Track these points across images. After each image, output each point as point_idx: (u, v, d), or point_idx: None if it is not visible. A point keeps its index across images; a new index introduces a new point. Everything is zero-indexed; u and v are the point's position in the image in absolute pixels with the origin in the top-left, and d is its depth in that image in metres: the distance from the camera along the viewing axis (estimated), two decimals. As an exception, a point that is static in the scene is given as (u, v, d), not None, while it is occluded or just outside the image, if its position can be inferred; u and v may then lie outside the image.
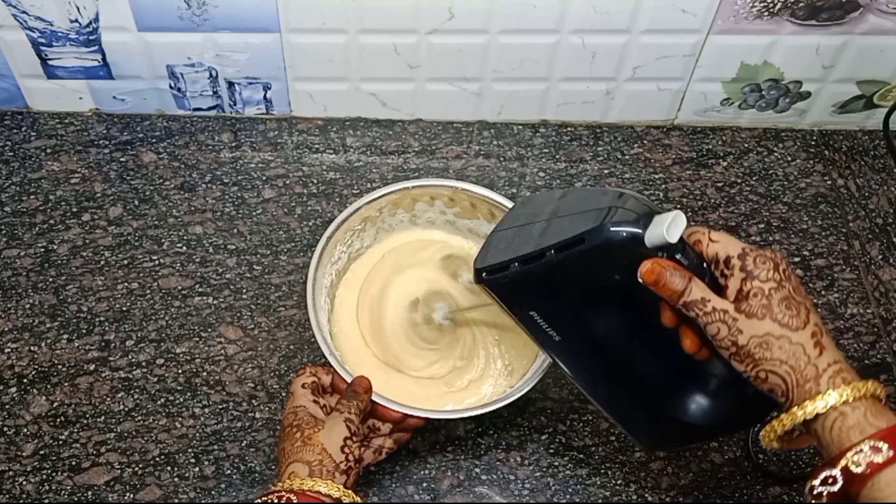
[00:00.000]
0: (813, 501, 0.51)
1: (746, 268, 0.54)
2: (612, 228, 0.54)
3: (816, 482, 0.51)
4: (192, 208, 0.88)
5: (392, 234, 0.82)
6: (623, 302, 0.59)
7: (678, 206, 0.91)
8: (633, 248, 0.54)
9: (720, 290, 0.55)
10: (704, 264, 0.57)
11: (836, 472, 0.50)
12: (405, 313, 0.77)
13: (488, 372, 0.76)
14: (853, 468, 0.49)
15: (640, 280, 0.54)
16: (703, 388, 0.61)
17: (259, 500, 0.60)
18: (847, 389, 0.51)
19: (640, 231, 0.54)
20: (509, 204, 0.77)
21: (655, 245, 0.54)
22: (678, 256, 0.55)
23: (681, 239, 0.54)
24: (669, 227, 0.53)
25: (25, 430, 0.74)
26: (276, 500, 0.59)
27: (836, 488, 0.50)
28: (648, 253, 0.54)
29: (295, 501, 0.58)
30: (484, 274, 0.63)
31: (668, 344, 0.58)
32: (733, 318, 0.53)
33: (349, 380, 0.68)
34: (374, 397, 0.68)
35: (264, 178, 0.91)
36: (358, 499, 0.62)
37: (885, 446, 0.48)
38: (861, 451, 0.49)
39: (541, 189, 0.92)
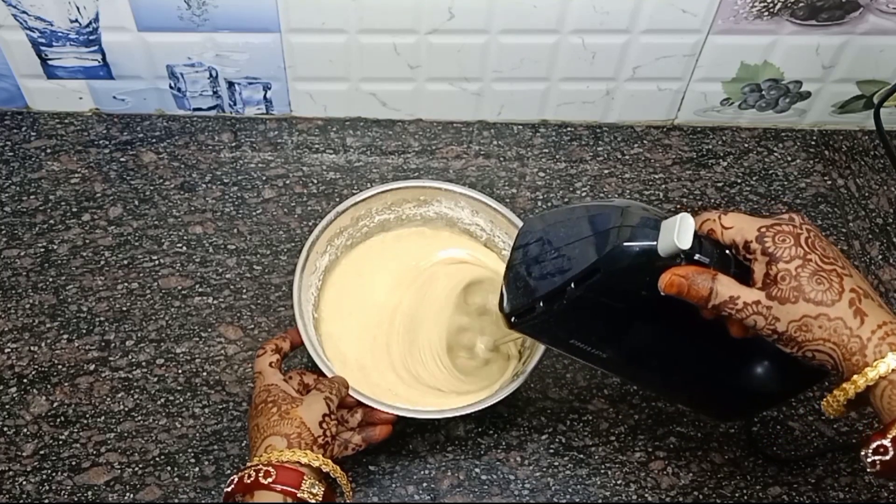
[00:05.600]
0: (868, 470, 0.50)
1: (768, 251, 0.52)
2: (623, 250, 0.53)
3: (869, 451, 0.50)
4: (192, 208, 0.88)
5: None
6: (659, 309, 0.58)
7: (678, 207, 0.91)
8: (649, 262, 0.53)
9: (748, 276, 0.54)
10: (727, 251, 0.55)
11: (888, 441, 0.48)
12: (445, 348, 0.77)
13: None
14: None
15: (662, 294, 0.54)
16: (761, 357, 0.60)
17: (236, 476, 0.60)
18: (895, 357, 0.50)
19: (651, 244, 0.53)
20: (495, 204, 0.77)
21: (670, 254, 0.53)
22: (696, 257, 0.54)
23: (694, 234, 0.53)
24: (679, 233, 0.52)
25: (25, 430, 0.74)
26: (253, 474, 0.58)
27: (888, 457, 0.49)
28: (666, 262, 0.53)
29: (274, 474, 0.58)
30: (514, 319, 0.62)
31: (715, 331, 0.57)
32: (767, 306, 0.52)
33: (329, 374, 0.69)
34: (357, 396, 0.68)
35: (264, 178, 0.91)
36: (339, 470, 0.62)
37: None
38: None
39: (540, 188, 0.92)
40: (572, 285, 0.56)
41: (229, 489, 0.60)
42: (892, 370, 0.49)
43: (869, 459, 0.50)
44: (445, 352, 0.76)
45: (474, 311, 0.78)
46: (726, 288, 0.53)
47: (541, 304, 0.59)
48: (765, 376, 0.61)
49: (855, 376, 0.50)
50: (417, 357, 0.76)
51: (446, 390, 0.75)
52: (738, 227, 0.54)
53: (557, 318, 0.59)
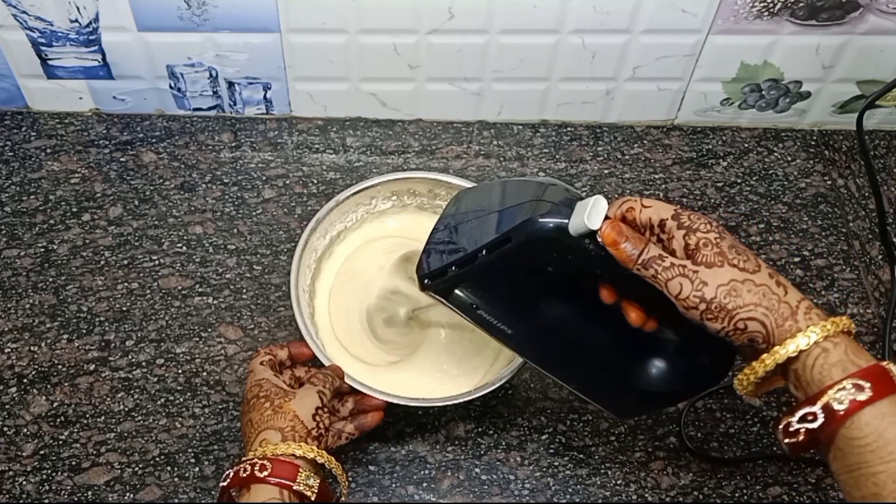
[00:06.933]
0: (786, 441, 0.51)
1: (684, 224, 0.54)
2: (537, 223, 0.55)
3: (794, 419, 0.50)
4: (192, 208, 0.88)
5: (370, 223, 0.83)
6: (563, 289, 0.60)
7: (678, 207, 0.91)
8: (559, 238, 0.55)
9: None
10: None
11: (817, 409, 0.49)
12: (370, 317, 0.78)
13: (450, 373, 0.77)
14: (835, 405, 0.48)
15: (599, 240, 0.54)
16: (658, 355, 0.62)
17: (232, 471, 0.60)
18: (827, 324, 0.50)
19: (564, 221, 0.54)
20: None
21: (580, 233, 0.54)
22: None
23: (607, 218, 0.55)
24: (590, 213, 0.53)
25: (25, 430, 0.74)
26: (249, 468, 0.58)
27: (815, 425, 0.49)
28: (576, 241, 0.55)
29: (270, 467, 0.58)
30: (426, 281, 0.63)
31: (616, 321, 0.59)
32: (693, 270, 0.52)
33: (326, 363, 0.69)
34: (351, 382, 0.69)
35: (264, 178, 0.91)
36: (334, 461, 0.63)
37: (867, 385, 0.48)
38: (844, 388, 0.48)
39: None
40: (484, 252, 0.58)
41: (225, 483, 0.60)
42: (825, 337, 0.50)
43: (792, 429, 0.50)
44: (366, 317, 0.78)
45: (410, 279, 0.78)
46: (656, 248, 0.54)
47: (453, 268, 0.61)
48: (660, 374, 0.62)
49: (787, 340, 0.50)
50: (366, 328, 0.78)
51: (371, 362, 0.76)
52: (655, 207, 0.56)
53: (466, 283, 0.61)
